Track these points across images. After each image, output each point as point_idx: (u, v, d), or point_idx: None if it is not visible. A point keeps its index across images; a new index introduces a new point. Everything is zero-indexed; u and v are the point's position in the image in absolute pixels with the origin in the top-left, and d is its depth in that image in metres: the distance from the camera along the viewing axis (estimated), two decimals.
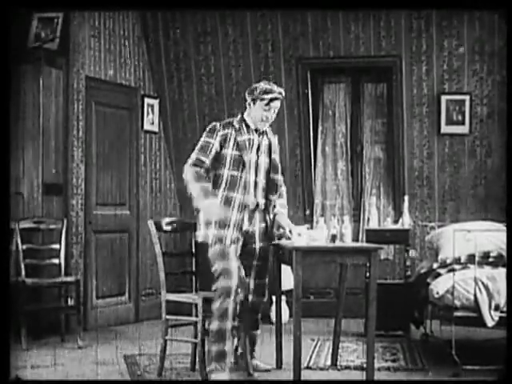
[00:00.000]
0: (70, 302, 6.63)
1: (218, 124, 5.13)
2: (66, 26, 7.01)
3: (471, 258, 5.83)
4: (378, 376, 5.09)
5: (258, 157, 5.14)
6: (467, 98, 7.81)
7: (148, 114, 8.10)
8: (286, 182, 8.07)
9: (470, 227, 6.10)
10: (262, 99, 5.09)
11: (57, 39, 6.93)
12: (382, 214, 7.78)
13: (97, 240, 7.46)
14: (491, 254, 6.03)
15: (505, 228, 6.08)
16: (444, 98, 7.85)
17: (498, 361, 5.05)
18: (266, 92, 5.09)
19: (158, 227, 5.40)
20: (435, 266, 6.10)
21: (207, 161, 5.04)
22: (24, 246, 6.52)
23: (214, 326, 4.80)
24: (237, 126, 5.11)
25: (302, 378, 4.92)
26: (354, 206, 8.22)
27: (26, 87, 6.77)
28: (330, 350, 5.70)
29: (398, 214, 7.56)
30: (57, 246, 6.69)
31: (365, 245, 5.78)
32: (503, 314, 5.34)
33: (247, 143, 5.10)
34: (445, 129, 7.89)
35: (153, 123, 8.17)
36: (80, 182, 7.22)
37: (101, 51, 7.50)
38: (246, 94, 5.22)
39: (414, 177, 7.99)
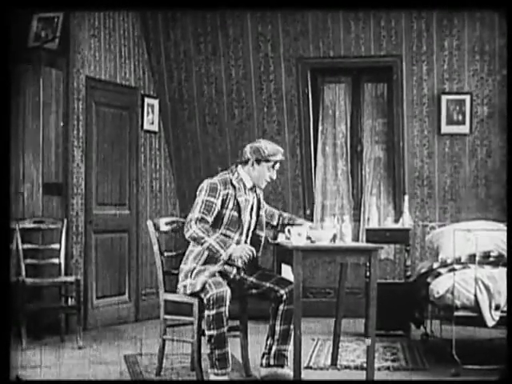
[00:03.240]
0: (70, 302, 6.63)
1: (217, 183, 4.97)
2: (66, 26, 7.01)
3: (471, 258, 5.82)
4: (378, 376, 5.09)
5: (250, 217, 5.12)
6: (467, 97, 7.81)
7: (148, 113, 8.10)
8: (287, 181, 8.14)
9: (470, 227, 6.10)
10: (268, 161, 5.02)
11: (57, 39, 6.93)
12: (382, 213, 7.79)
13: (97, 240, 7.46)
14: (491, 254, 6.03)
15: (505, 228, 6.08)
16: (444, 98, 7.84)
17: (498, 361, 5.06)
18: (274, 154, 5.03)
19: (157, 227, 5.40)
20: (435, 265, 6.09)
21: (210, 220, 4.94)
22: (24, 246, 6.52)
23: (213, 332, 4.79)
24: (237, 186, 5.02)
25: (302, 378, 4.91)
26: (354, 206, 8.22)
27: (26, 87, 6.77)
28: (330, 350, 5.69)
29: (399, 213, 7.56)
30: (57, 246, 6.69)
31: (365, 244, 5.78)
32: (503, 314, 5.35)
33: (245, 204, 5.05)
34: (445, 129, 7.89)
35: (153, 123, 8.17)
36: (80, 182, 7.22)
37: (101, 51, 7.50)
38: (249, 153, 5.04)
39: (414, 177, 7.99)
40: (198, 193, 5.03)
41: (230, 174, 5.08)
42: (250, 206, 5.10)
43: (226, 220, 5.00)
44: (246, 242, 5.09)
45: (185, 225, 4.96)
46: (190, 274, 5.00)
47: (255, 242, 5.16)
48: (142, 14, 8.04)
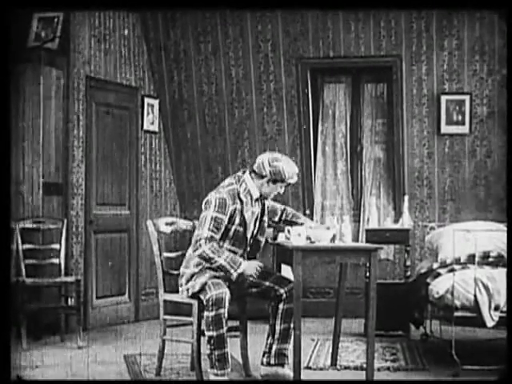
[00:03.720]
0: (70, 302, 6.63)
1: (226, 198, 4.90)
2: (66, 26, 7.01)
3: (471, 258, 5.83)
4: (377, 376, 5.09)
5: (254, 227, 5.10)
6: (467, 98, 7.81)
7: (148, 113, 8.10)
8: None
9: (470, 227, 6.10)
10: (284, 182, 5.01)
11: (57, 39, 6.93)
12: (381, 213, 7.79)
13: (97, 240, 7.46)
14: (491, 254, 6.03)
15: (505, 228, 6.08)
16: (444, 98, 7.85)
17: (498, 361, 5.06)
18: (291, 177, 5.00)
19: (157, 227, 5.40)
20: (435, 266, 6.10)
21: (218, 237, 4.91)
22: (24, 246, 6.52)
23: (213, 333, 4.79)
24: (244, 200, 4.98)
25: (302, 378, 4.91)
26: (353, 206, 8.23)
27: (26, 87, 6.77)
28: (330, 350, 5.70)
29: (398, 213, 7.57)
30: (57, 246, 6.69)
31: (365, 245, 5.78)
32: (503, 314, 5.34)
33: (251, 219, 5.04)
34: (445, 129, 7.89)
35: (153, 123, 8.18)
36: (80, 182, 7.23)
37: (101, 51, 7.50)
38: (268, 172, 4.95)
39: (414, 177, 8.00)
40: (205, 206, 4.96)
41: (237, 185, 5.00)
42: (255, 218, 5.09)
43: (231, 235, 4.98)
44: (246, 250, 5.09)
45: (193, 243, 4.90)
46: (191, 278, 5.00)
47: (254, 246, 5.15)
48: (142, 14, 8.04)
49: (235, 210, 4.94)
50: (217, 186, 5.10)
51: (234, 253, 4.99)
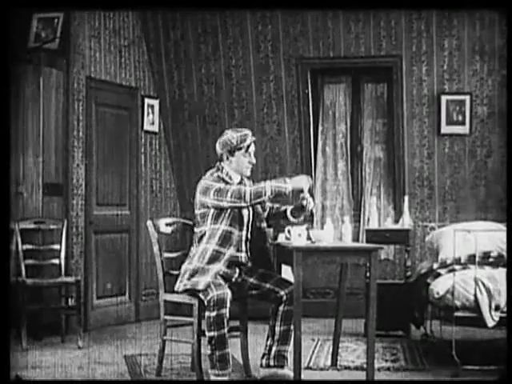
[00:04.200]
0: (71, 302, 6.63)
1: (214, 179, 5.00)
2: (66, 26, 7.01)
3: (471, 258, 5.83)
4: (378, 376, 5.09)
5: (248, 210, 5.10)
6: (467, 98, 7.81)
7: (148, 114, 8.10)
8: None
9: (470, 227, 6.10)
10: (240, 148, 5.04)
11: (57, 39, 6.93)
12: (382, 214, 7.79)
13: (97, 240, 7.46)
14: (491, 254, 6.03)
15: (505, 228, 6.08)
16: (444, 98, 7.85)
17: (498, 361, 5.06)
18: (242, 141, 5.03)
19: (157, 227, 5.40)
20: (435, 266, 6.10)
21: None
22: (24, 247, 6.52)
23: (214, 333, 4.79)
24: (229, 182, 5.02)
25: (302, 378, 4.91)
26: (354, 206, 8.22)
27: (26, 87, 6.77)
28: (330, 350, 5.70)
29: (398, 214, 7.56)
30: (57, 247, 6.69)
31: (365, 245, 5.77)
32: (503, 315, 5.35)
33: None
34: (445, 129, 7.89)
35: (153, 123, 8.18)
36: (80, 182, 7.23)
37: (101, 51, 7.50)
38: (219, 149, 5.08)
39: (414, 177, 8.00)
40: (204, 193, 4.98)
41: (218, 172, 5.09)
42: None
43: (227, 215, 4.99)
44: (247, 237, 5.09)
45: (235, 201, 4.87)
46: (194, 274, 4.99)
47: (259, 234, 5.15)
48: (142, 14, 8.04)
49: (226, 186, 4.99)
50: None
51: (231, 233, 4.98)
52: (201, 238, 5.03)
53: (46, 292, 6.68)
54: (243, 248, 5.08)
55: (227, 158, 5.08)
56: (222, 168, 5.10)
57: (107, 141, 7.59)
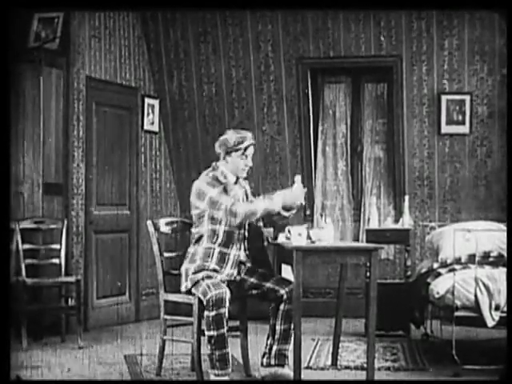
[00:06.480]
0: (71, 302, 6.63)
1: (209, 181, 4.99)
2: (66, 26, 7.01)
3: (471, 258, 5.83)
4: (378, 376, 5.08)
5: None
6: (467, 97, 7.81)
7: (148, 114, 8.10)
8: (287, 181, 8.13)
9: (470, 227, 6.10)
10: (238, 150, 5.03)
11: (57, 39, 6.92)
12: (382, 213, 7.78)
13: (97, 240, 7.46)
14: (491, 254, 6.03)
15: (505, 228, 6.08)
16: (444, 98, 7.84)
17: (498, 361, 5.06)
18: (240, 142, 5.03)
19: (157, 227, 5.39)
20: (435, 265, 6.10)
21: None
22: (24, 246, 6.52)
23: (213, 333, 4.79)
24: (224, 181, 5.02)
25: (302, 378, 4.91)
26: (354, 206, 8.22)
27: (26, 87, 6.77)
28: (330, 350, 5.70)
29: (399, 213, 7.56)
30: (57, 246, 6.69)
31: (365, 245, 5.77)
32: (503, 314, 5.35)
33: (237, 196, 5.05)
34: (445, 129, 7.89)
35: (153, 123, 8.17)
36: (80, 182, 7.23)
37: (101, 51, 7.50)
38: (218, 148, 5.08)
39: (415, 177, 7.99)
40: (196, 198, 4.99)
41: (213, 172, 5.08)
42: (240, 200, 5.09)
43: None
44: (244, 235, 5.09)
45: (227, 217, 4.89)
46: (197, 273, 4.98)
47: (256, 232, 5.15)
48: (142, 14, 8.04)
49: (221, 189, 4.99)
50: None
51: (232, 234, 4.98)
52: (199, 238, 5.03)
53: (46, 292, 6.68)
54: (241, 246, 5.09)
55: (224, 158, 5.08)
56: (218, 167, 5.10)
57: (107, 141, 7.59)
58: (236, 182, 5.13)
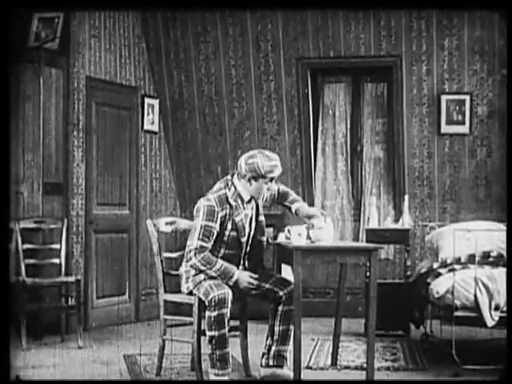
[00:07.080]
0: (71, 302, 6.63)
1: (214, 204, 4.87)
2: (66, 26, 7.01)
3: (471, 258, 5.83)
4: (378, 376, 5.09)
5: (250, 228, 5.05)
6: (467, 97, 7.81)
7: (148, 113, 8.10)
8: (287, 181, 8.13)
9: (470, 227, 6.10)
10: (265, 177, 4.92)
11: (57, 39, 6.93)
12: (382, 213, 7.79)
13: (97, 240, 7.46)
14: (491, 254, 6.03)
15: (505, 228, 6.08)
16: (444, 98, 7.85)
17: (498, 361, 5.06)
18: (270, 171, 4.90)
19: (157, 227, 5.40)
20: (435, 265, 6.09)
21: (210, 245, 4.90)
22: (24, 246, 6.52)
23: (214, 333, 4.79)
24: (233, 204, 4.92)
25: (302, 378, 4.91)
26: (354, 206, 8.23)
27: (26, 87, 6.77)
28: (330, 350, 5.70)
29: (398, 213, 7.56)
30: (57, 246, 6.69)
31: (365, 244, 5.77)
32: (503, 314, 5.35)
33: (244, 221, 4.98)
34: (445, 129, 7.89)
35: (153, 123, 8.18)
36: (80, 182, 7.23)
37: (101, 51, 7.50)
38: (246, 169, 4.89)
39: (414, 176, 8.00)
40: (195, 213, 4.95)
41: (226, 190, 4.96)
42: (249, 219, 5.06)
43: (225, 240, 4.96)
44: (246, 252, 5.07)
45: (185, 254, 4.92)
46: (198, 273, 4.98)
47: (257, 248, 5.13)
48: (142, 14, 8.04)
49: (225, 215, 4.91)
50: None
51: (232, 256, 4.97)
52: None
53: (46, 291, 6.68)
54: (243, 264, 5.08)
55: (249, 181, 4.93)
56: (233, 186, 4.97)
57: (107, 141, 7.59)
58: (249, 201, 5.05)
